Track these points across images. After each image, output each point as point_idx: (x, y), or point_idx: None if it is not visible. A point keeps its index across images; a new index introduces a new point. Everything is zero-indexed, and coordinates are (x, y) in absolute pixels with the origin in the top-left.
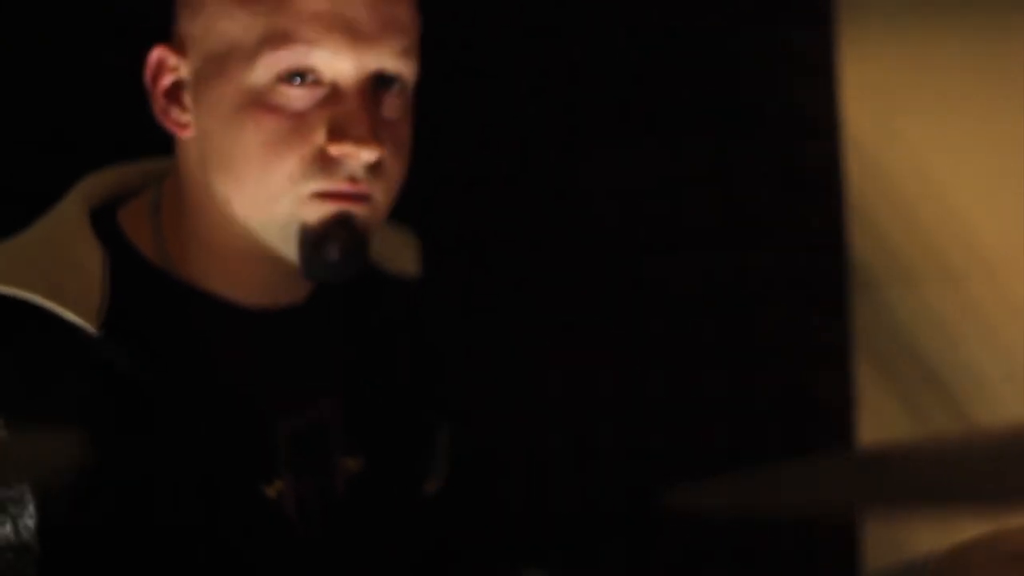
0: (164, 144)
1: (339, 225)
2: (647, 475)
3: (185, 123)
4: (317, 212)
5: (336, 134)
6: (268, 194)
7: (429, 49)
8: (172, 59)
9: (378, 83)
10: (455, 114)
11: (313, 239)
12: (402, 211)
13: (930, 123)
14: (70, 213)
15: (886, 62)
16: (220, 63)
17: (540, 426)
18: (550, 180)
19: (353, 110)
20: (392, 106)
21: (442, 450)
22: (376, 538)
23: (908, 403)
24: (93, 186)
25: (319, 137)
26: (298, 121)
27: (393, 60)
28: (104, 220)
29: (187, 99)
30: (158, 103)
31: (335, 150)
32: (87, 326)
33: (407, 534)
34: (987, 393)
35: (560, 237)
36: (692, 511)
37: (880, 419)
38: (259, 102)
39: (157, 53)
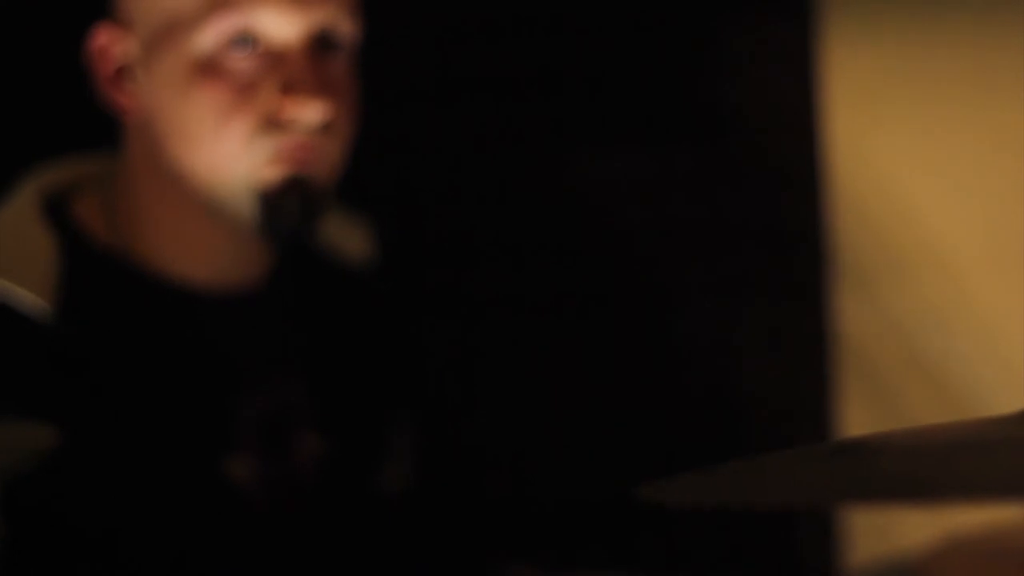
0: (105, 131)
1: (296, 184)
2: (628, 467)
3: (132, 102)
4: (273, 173)
5: (288, 96)
6: (223, 159)
7: (412, 46)
8: (116, 38)
9: (323, 44)
10: (436, 113)
11: (271, 200)
12: (381, 206)
13: (914, 117)
14: (23, 203)
15: (870, 56)
16: (165, 35)
17: (519, 418)
18: (528, 177)
19: (300, 70)
20: (338, 67)
21: (403, 433)
22: (338, 520)
23: (890, 398)
24: (45, 177)
25: (269, 99)
26: (247, 85)
27: (337, 19)
28: (57, 210)
29: (133, 77)
30: (104, 84)
31: (286, 110)
32: (41, 312)
33: (370, 515)
34: (973, 387)
35: (538, 231)
36: (668, 505)
37: (862, 414)
38: (207, 69)
39: (101, 33)
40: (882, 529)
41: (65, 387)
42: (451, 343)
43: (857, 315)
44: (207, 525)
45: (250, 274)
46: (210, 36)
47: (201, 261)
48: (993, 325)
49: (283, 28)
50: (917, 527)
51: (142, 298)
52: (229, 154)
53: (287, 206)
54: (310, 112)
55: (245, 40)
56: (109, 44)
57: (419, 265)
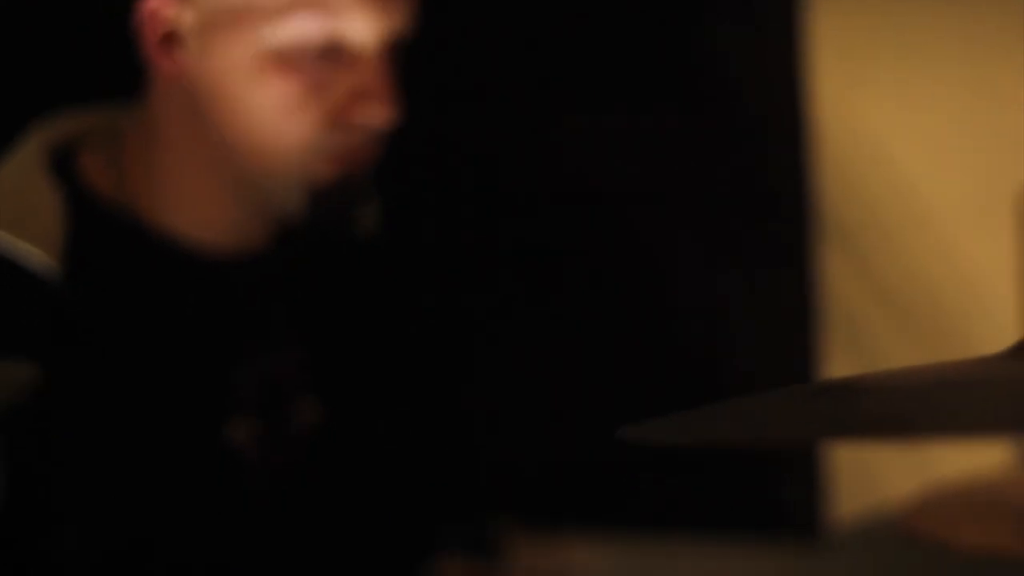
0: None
1: (348, 183)
2: (615, 428)
3: (177, 68)
4: (328, 171)
5: (359, 99)
6: (281, 152)
7: None
8: (171, 2)
9: (392, 49)
10: (425, 77)
11: (321, 198)
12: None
13: (900, 77)
14: (28, 156)
15: (855, 16)
16: (240, 18)
17: (511, 381)
18: (516, 140)
19: (374, 75)
20: (396, 68)
21: (399, 399)
22: (335, 486)
23: (876, 359)
24: (52, 129)
25: (339, 101)
26: (319, 83)
27: (406, 25)
28: (63, 163)
29: (183, 44)
30: (150, 45)
31: (356, 114)
32: (45, 267)
33: (366, 483)
34: (958, 345)
35: (525, 194)
36: (654, 443)
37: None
38: (281, 61)
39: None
40: (867, 483)
41: (66, 342)
42: (444, 307)
43: (842, 275)
44: (204, 486)
45: (254, 239)
46: (291, 30)
47: (208, 225)
48: (976, 282)
49: (366, 34)
50: (901, 480)
51: (146, 257)
52: (289, 148)
53: (336, 204)
54: (380, 118)
55: (327, 41)
56: (162, 6)
57: (416, 231)
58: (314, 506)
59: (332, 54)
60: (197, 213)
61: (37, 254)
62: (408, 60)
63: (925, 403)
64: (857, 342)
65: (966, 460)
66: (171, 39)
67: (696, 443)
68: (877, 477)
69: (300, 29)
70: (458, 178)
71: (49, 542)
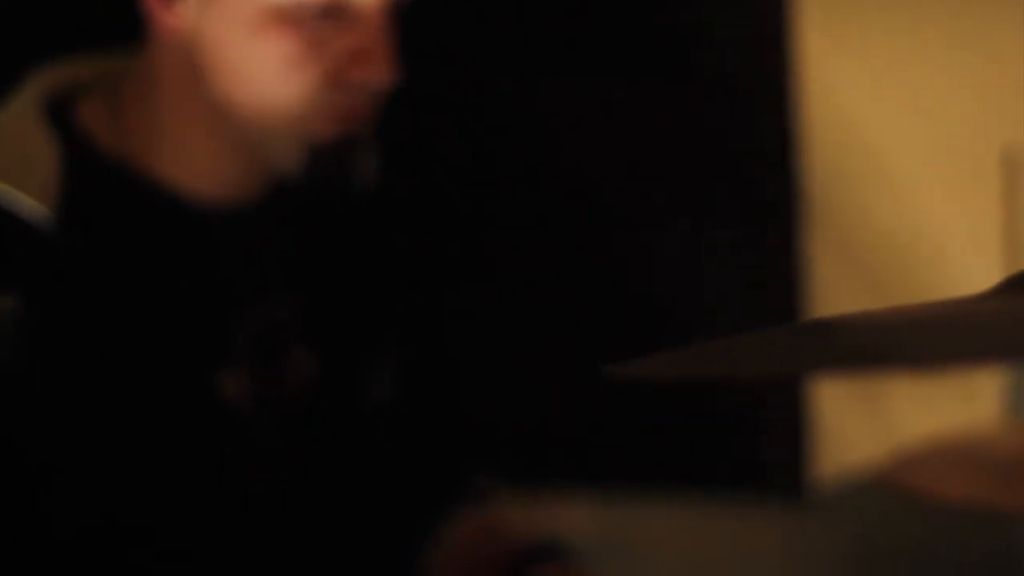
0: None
1: (346, 143)
2: (598, 386)
3: (177, 23)
4: (327, 130)
5: (359, 59)
6: (281, 109)
7: None
8: None
9: (393, 9)
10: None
11: (320, 156)
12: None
13: (885, 39)
14: (25, 107)
15: None
16: None
17: (491, 336)
18: (502, 102)
19: (376, 34)
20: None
21: (390, 352)
22: (328, 439)
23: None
24: (47, 80)
25: (340, 59)
26: (319, 41)
27: None
28: (60, 112)
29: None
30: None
31: (357, 72)
32: (42, 216)
33: (359, 436)
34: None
35: (517, 155)
36: (637, 380)
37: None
38: (282, 18)
39: None
40: (850, 442)
41: (58, 292)
42: (434, 261)
43: (826, 253)
44: (197, 438)
45: (250, 192)
46: None
47: (205, 177)
48: (961, 250)
49: None
50: (884, 438)
51: (142, 207)
52: (288, 105)
53: (334, 163)
54: (380, 77)
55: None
56: None
57: (411, 187)
58: (307, 459)
59: (333, 12)
60: (194, 165)
61: (32, 203)
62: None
63: (906, 336)
64: (841, 303)
65: (949, 416)
66: None
67: (679, 378)
68: (860, 435)
69: None
70: (448, 139)
71: (38, 491)
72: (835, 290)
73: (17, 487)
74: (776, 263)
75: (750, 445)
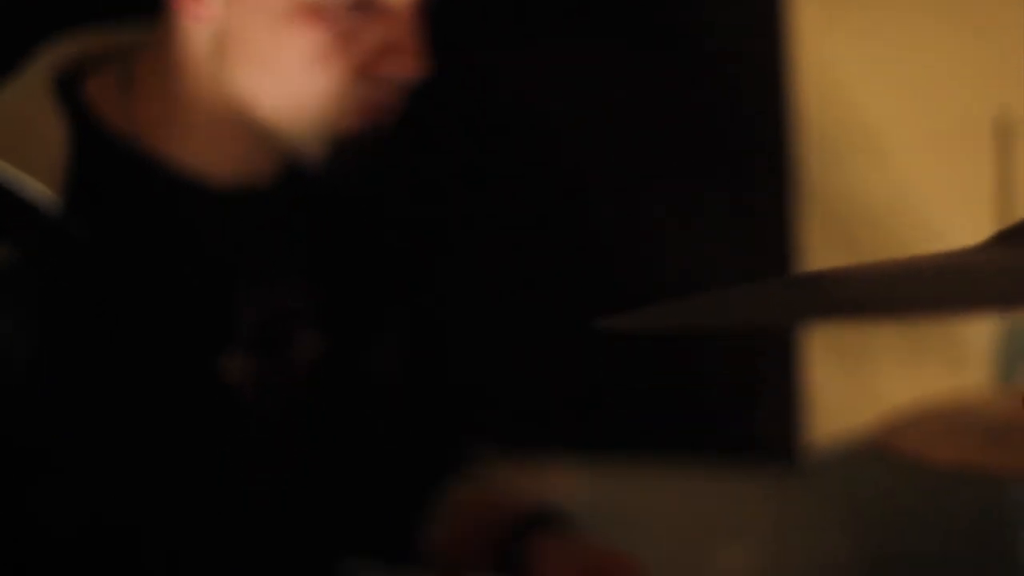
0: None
1: (372, 134)
2: (590, 355)
3: (203, 10)
4: (352, 123)
5: (388, 52)
6: (307, 101)
7: None
8: None
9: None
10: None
11: (344, 149)
12: None
13: (880, 13)
14: (33, 82)
15: None
16: None
17: (486, 305)
18: (493, 74)
19: (406, 29)
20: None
21: (396, 331)
22: (332, 423)
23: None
24: (57, 54)
25: (369, 52)
26: (349, 34)
27: None
28: (69, 90)
29: None
30: None
31: (386, 67)
32: (47, 196)
33: (364, 420)
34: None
35: (510, 127)
36: (629, 331)
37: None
38: (313, 10)
39: None
40: (842, 406)
41: (63, 273)
42: (431, 236)
43: (817, 208)
44: (199, 422)
45: (258, 173)
46: None
47: (218, 161)
48: (952, 216)
49: None
50: (877, 403)
51: (149, 186)
52: (315, 97)
53: (357, 156)
54: (410, 71)
55: None
56: None
57: (410, 168)
58: (310, 442)
59: (363, 5)
60: (208, 149)
61: (38, 181)
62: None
63: (897, 286)
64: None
65: (939, 382)
66: None
67: (671, 329)
68: (851, 402)
69: None
70: (440, 111)
71: (38, 470)
72: (825, 260)
73: (18, 465)
74: (766, 233)
75: (742, 412)
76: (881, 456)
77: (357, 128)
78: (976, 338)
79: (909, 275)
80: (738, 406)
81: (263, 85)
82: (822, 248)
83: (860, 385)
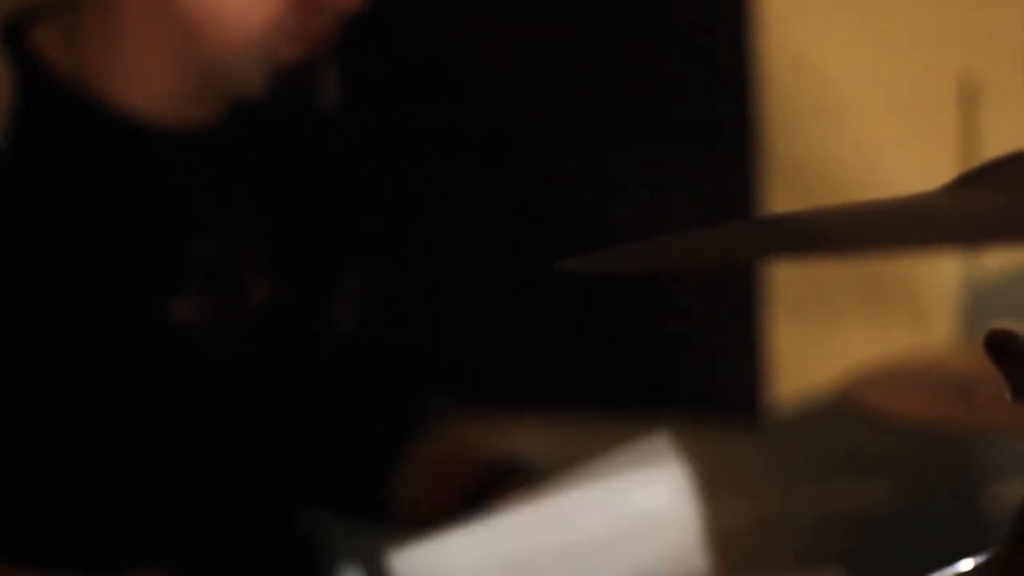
0: None
1: (309, 65)
2: (555, 313)
3: None
4: (291, 52)
5: None
6: (247, 32)
7: None
8: None
9: None
10: None
11: (283, 78)
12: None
13: None
14: None
15: None
16: None
17: (449, 258)
18: (462, 21)
19: None
20: None
21: (354, 280)
22: (285, 364)
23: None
24: (3, 6)
25: None
26: None
27: None
28: (15, 38)
29: None
30: None
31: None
32: None
33: (317, 361)
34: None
35: (474, 77)
36: (590, 271)
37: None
38: None
39: None
40: (806, 364)
41: (12, 216)
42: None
43: (779, 168)
44: (148, 366)
45: (207, 114)
46: None
47: (164, 100)
48: (908, 176)
49: None
50: (841, 361)
51: (97, 130)
52: (254, 28)
53: (296, 85)
54: (347, 3)
55: None
56: None
57: (371, 111)
58: (263, 383)
59: None
60: (153, 88)
61: None
62: None
63: (858, 222)
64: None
65: (904, 340)
66: None
67: (634, 268)
68: (815, 361)
69: None
70: (405, 62)
71: None
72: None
73: None
74: (731, 196)
75: (706, 371)
76: (845, 413)
77: (294, 58)
78: (939, 296)
79: (871, 214)
80: (702, 364)
81: (203, 17)
82: (784, 205)
83: (823, 343)
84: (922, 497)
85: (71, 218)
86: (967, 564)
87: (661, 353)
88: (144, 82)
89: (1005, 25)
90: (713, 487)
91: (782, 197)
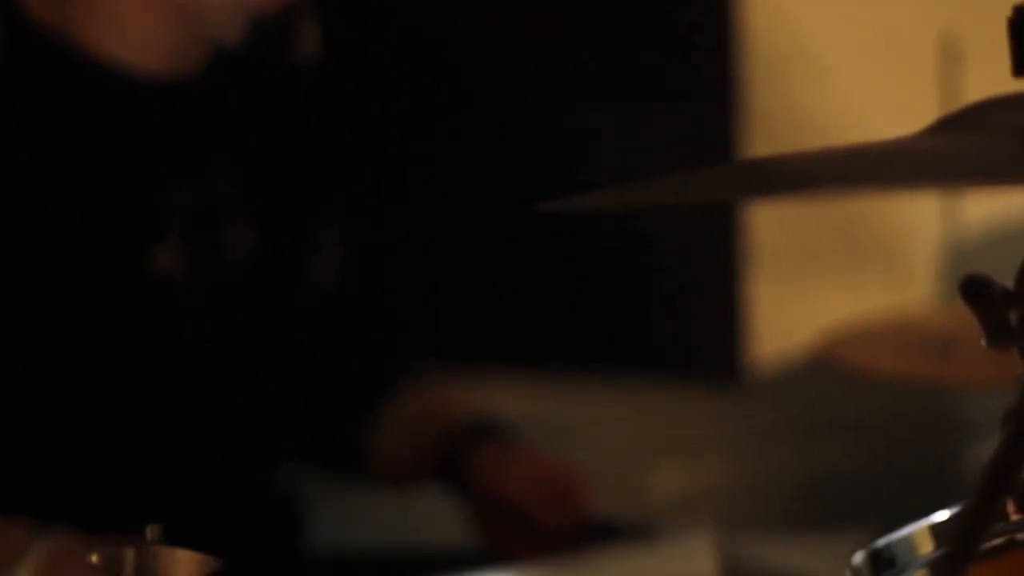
0: None
1: (288, 13)
2: (537, 274)
3: None
4: (269, 2)
5: None
6: None
7: None
8: None
9: None
10: None
11: (263, 27)
12: None
13: None
14: None
15: None
16: None
17: (427, 219)
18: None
19: None
20: None
21: (331, 232)
22: (265, 320)
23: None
24: None
25: None
26: None
27: None
28: None
29: None
30: None
31: None
32: None
33: (297, 311)
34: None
35: (456, 31)
36: (568, 212)
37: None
38: None
39: None
40: (785, 323)
41: None
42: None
43: (760, 124)
44: (129, 312)
45: (188, 64)
46: None
47: (143, 48)
48: (889, 135)
49: None
50: (820, 319)
51: (78, 80)
52: None
53: (275, 35)
54: None
55: None
56: None
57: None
58: (243, 331)
59: None
60: (132, 37)
61: None
62: None
63: (837, 163)
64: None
65: (883, 300)
66: None
67: (615, 208)
68: (794, 320)
69: None
70: (389, 16)
71: None
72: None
73: None
74: (712, 153)
75: (685, 329)
76: (825, 372)
77: (272, 6)
78: (918, 255)
79: (852, 155)
80: (681, 323)
81: None
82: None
83: (803, 302)
84: (900, 454)
85: (53, 166)
86: (942, 515)
87: (640, 312)
88: (123, 31)
89: None
90: (692, 445)
91: (762, 152)
